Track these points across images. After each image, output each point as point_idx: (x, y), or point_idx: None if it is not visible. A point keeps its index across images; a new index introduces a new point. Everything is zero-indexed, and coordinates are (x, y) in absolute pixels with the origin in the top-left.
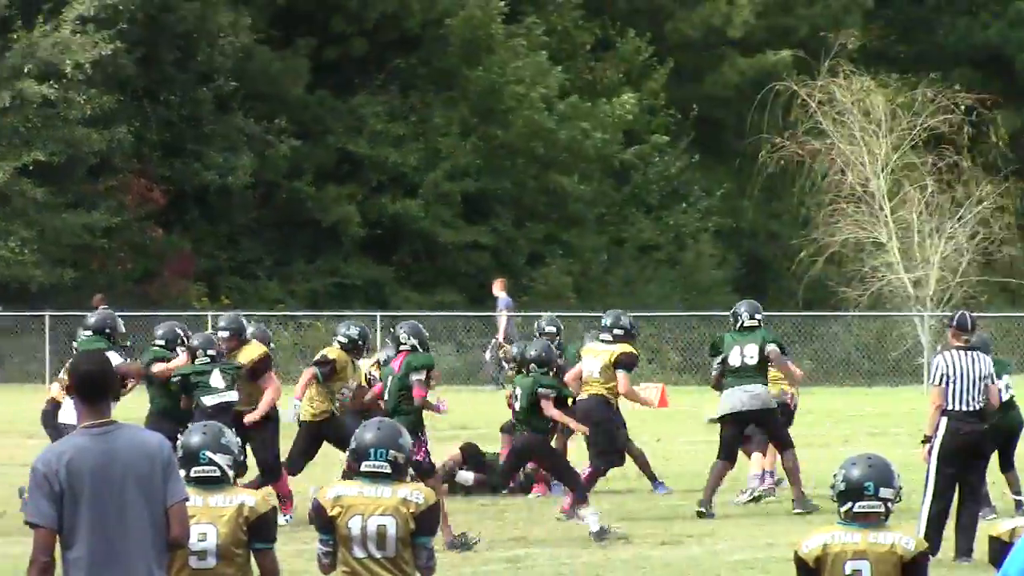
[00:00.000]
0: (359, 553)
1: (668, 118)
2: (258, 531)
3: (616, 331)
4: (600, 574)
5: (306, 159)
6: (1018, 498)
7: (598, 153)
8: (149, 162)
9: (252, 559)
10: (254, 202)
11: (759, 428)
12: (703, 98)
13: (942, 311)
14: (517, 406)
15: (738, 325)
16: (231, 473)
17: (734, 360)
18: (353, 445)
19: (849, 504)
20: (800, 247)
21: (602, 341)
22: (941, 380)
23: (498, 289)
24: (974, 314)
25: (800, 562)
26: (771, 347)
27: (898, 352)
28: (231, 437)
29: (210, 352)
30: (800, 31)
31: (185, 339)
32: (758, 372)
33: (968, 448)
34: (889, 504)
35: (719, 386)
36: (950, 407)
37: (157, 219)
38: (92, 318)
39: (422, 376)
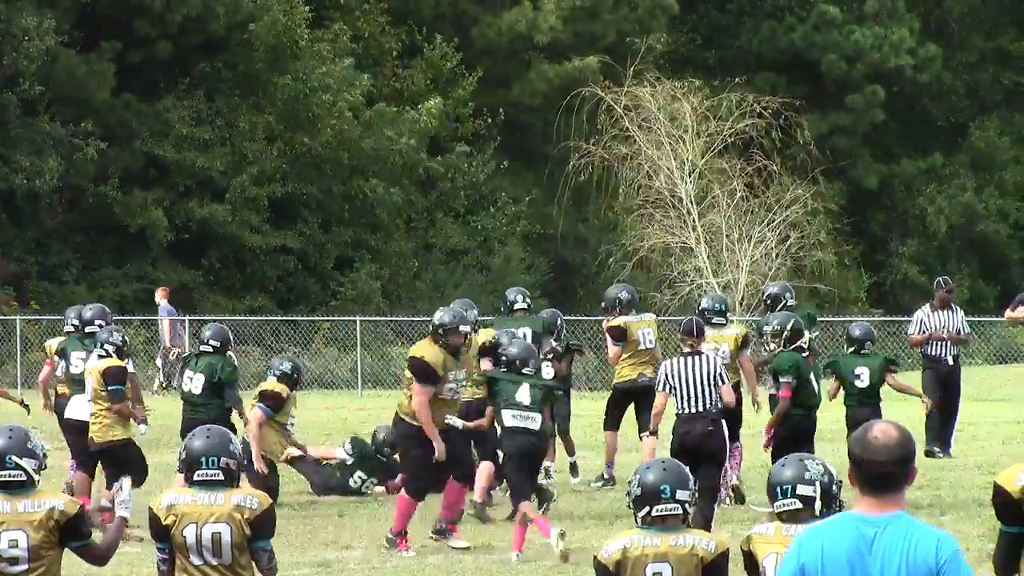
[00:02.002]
0: (196, 560)
1: (476, 124)
2: (70, 532)
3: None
4: None
5: (112, 163)
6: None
7: (404, 160)
8: None
9: (61, 563)
10: (61, 206)
11: None
12: (511, 104)
13: (751, 316)
14: (860, 384)
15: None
16: (36, 477)
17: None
18: (183, 455)
19: (647, 509)
20: (609, 252)
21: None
22: (665, 385)
23: (160, 297)
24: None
25: (600, 567)
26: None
27: None
28: (37, 441)
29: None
30: (606, 37)
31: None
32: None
33: (695, 449)
34: (687, 506)
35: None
36: (678, 410)
37: None
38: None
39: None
